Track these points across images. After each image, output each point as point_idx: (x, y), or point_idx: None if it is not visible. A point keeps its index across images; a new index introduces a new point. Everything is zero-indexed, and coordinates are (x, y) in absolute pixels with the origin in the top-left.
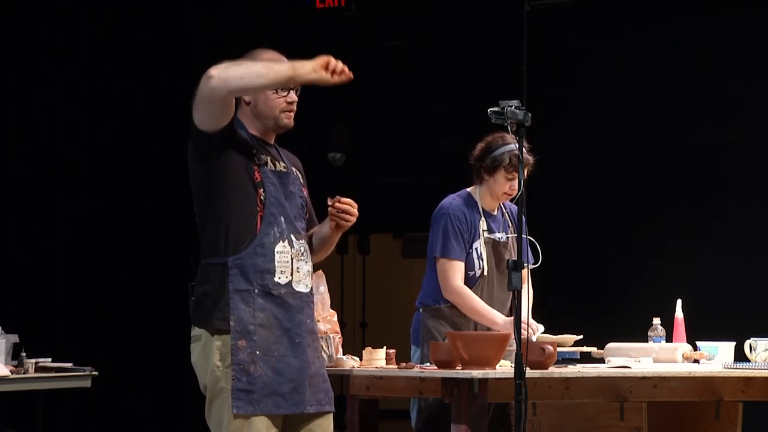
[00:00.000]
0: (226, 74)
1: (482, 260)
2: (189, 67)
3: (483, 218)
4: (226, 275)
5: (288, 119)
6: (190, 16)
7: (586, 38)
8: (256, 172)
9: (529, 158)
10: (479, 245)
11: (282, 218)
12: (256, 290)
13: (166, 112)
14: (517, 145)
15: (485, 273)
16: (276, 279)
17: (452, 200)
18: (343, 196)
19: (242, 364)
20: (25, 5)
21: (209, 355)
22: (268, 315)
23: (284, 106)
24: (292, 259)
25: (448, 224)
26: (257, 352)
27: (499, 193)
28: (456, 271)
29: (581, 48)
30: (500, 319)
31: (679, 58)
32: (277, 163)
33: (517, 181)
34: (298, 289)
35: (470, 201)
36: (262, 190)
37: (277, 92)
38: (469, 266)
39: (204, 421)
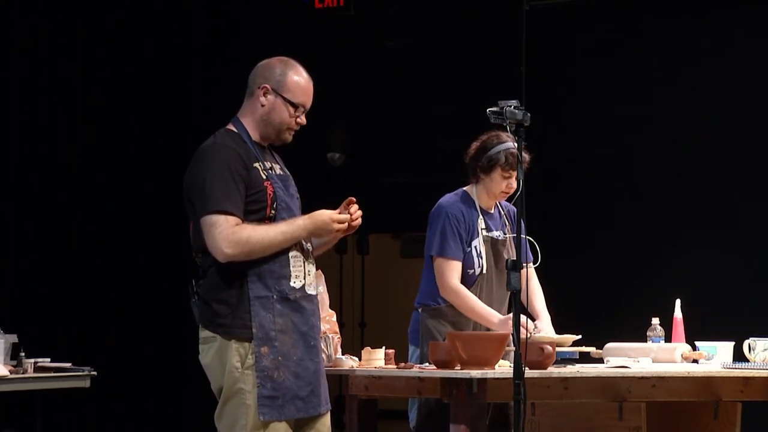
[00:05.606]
0: (250, 249)
1: (482, 258)
2: (189, 66)
3: (481, 216)
4: (245, 282)
5: (289, 136)
6: (190, 15)
7: (585, 38)
8: (266, 180)
9: (525, 156)
10: (478, 243)
11: None
12: (274, 296)
13: (167, 112)
14: (512, 143)
15: (484, 271)
16: (291, 284)
17: (449, 199)
18: (341, 197)
19: (266, 371)
20: (25, 5)
21: (226, 358)
22: (286, 320)
23: (292, 126)
24: (304, 263)
25: (446, 223)
26: (279, 358)
27: (496, 192)
28: (453, 270)
29: (580, 48)
30: (496, 318)
31: (679, 58)
32: (276, 166)
33: (513, 179)
34: (309, 292)
35: (468, 199)
36: (272, 195)
37: (296, 111)
38: (468, 264)
39: (204, 422)
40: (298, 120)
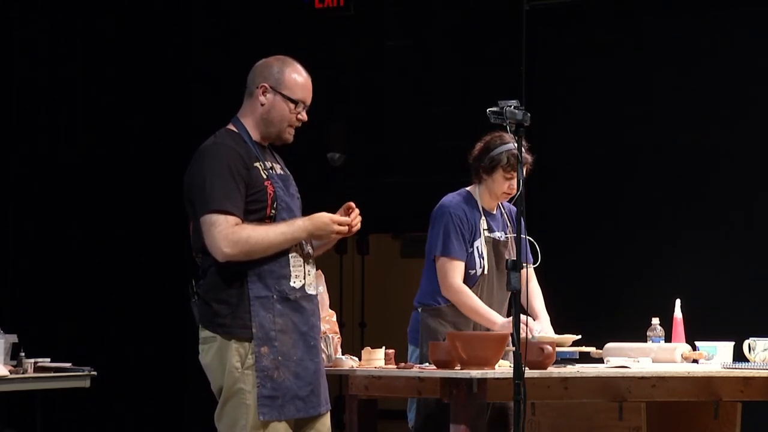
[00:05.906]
0: (250, 249)
1: (483, 259)
2: (189, 66)
3: (483, 217)
4: (245, 282)
5: (290, 135)
6: (190, 15)
7: (586, 38)
8: (266, 180)
9: (527, 157)
10: (480, 244)
11: None
12: (274, 296)
13: (167, 111)
14: (515, 145)
15: (485, 272)
16: (291, 284)
17: (452, 199)
18: (341, 197)
19: (266, 371)
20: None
21: (226, 358)
22: (287, 320)
23: (293, 122)
24: (304, 263)
25: (449, 223)
26: (279, 358)
27: (498, 192)
28: (456, 269)
29: (580, 48)
30: (499, 320)
31: (679, 58)
32: (276, 166)
33: (515, 180)
34: (309, 292)
35: (470, 200)
36: (273, 195)
37: (296, 107)
38: (470, 265)
39: (204, 422)
40: (299, 116)
